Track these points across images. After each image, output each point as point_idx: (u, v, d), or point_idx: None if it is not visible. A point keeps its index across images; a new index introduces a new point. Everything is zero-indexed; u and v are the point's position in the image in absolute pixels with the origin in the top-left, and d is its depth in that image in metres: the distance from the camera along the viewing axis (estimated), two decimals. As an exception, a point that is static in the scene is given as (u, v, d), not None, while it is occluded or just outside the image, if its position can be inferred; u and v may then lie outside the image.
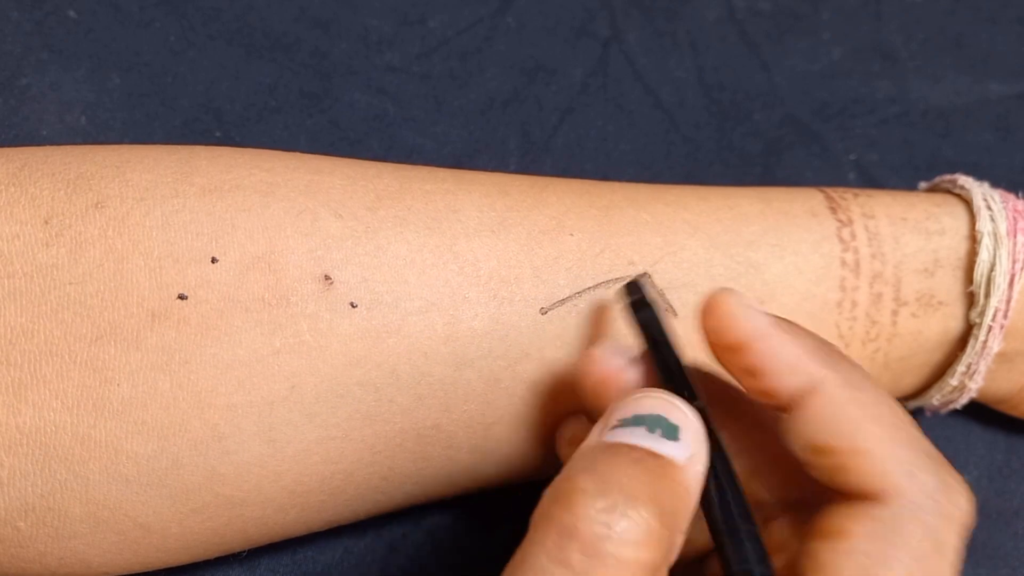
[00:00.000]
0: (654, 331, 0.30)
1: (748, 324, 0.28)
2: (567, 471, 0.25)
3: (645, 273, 0.33)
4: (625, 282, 0.32)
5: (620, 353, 0.30)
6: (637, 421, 0.27)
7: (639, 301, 0.31)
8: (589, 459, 0.26)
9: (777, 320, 0.28)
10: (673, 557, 0.26)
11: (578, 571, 0.23)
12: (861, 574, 0.26)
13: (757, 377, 0.28)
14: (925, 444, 0.28)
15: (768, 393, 0.28)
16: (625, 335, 0.32)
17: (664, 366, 0.29)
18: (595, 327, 0.32)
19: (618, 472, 0.25)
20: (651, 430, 0.26)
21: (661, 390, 0.28)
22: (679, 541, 0.26)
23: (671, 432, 0.26)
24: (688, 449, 0.26)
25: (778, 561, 0.28)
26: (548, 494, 0.25)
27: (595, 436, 0.27)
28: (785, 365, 0.27)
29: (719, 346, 0.29)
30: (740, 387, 0.30)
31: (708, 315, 0.28)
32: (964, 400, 0.38)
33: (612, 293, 0.33)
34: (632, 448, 0.26)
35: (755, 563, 0.26)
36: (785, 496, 0.30)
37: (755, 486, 0.30)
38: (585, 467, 0.25)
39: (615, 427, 0.27)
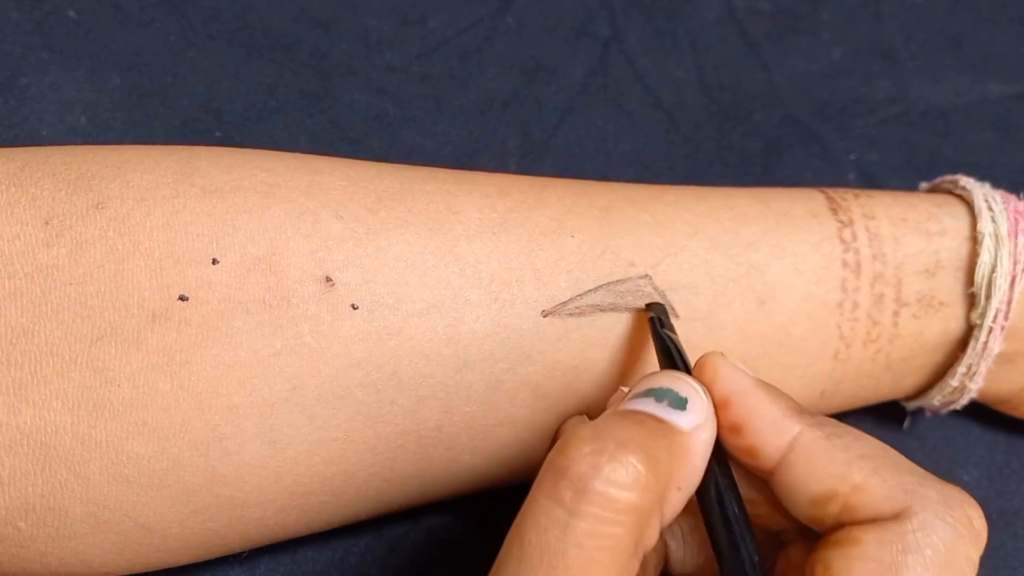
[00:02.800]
0: (673, 350, 0.31)
1: (733, 382, 0.29)
2: (572, 427, 0.27)
3: (648, 275, 0.33)
4: (641, 303, 0.33)
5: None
6: (648, 393, 0.28)
7: (661, 320, 0.32)
8: (597, 421, 0.27)
9: (760, 381, 0.29)
10: (669, 512, 0.27)
11: (568, 506, 0.25)
12: None
13: (741, 434, 0.29)
14: (918, 468, 0.28)
15: (752, 451, 0.29)
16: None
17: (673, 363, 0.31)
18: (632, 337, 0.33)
19: (616, 427, 0.26)
20: (659, 400, 0.28)
21: (673, 371, 0.29)
22: (676, 498, 0.27)
23: (679, 403, 0.28)
24: (694, 419, 0.27)
25: None
26: (554, 447, 0.26)
27: (610, 409, 0.28)
28: (767, 422, 0.28)
29: None
30: None
31: (698, 373, 0.29)
32: (965, 401, 0.38)
33: (614, 297, 0.33)
34: (637, 412, 0.27)
35: (750, 568, 0.26)
36: (802, 526, 0.30)
37: (773, 516, 0.30)
38: (589, 424, 0.27)
39: (627, 400, 0.28)
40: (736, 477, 0.29)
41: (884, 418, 0.42)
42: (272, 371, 0.29)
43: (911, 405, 0.40)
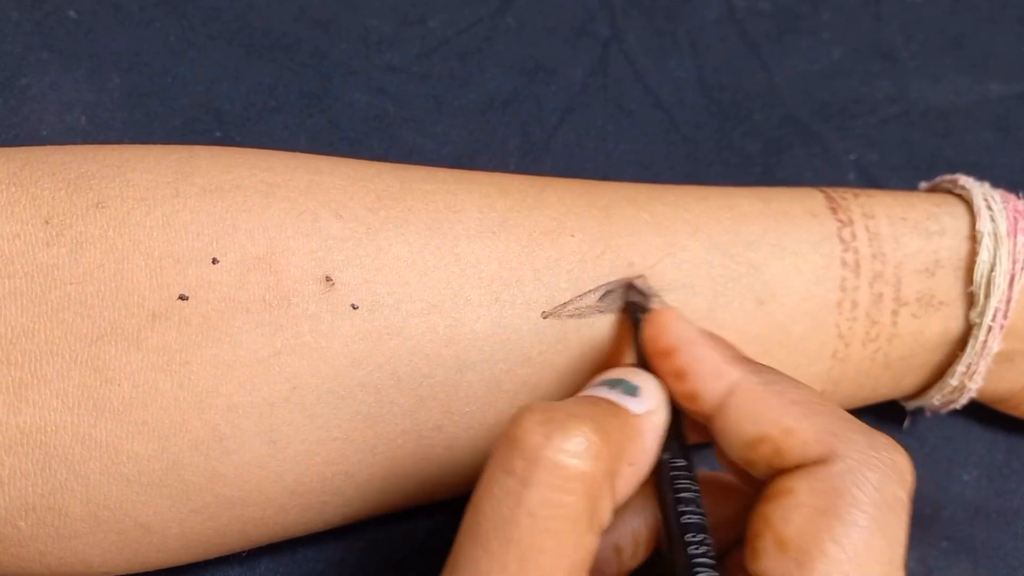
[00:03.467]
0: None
1: (679, 332, 0.30)
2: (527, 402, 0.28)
3: (642, 276, 0.33)
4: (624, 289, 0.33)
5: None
6: (602, 383, 0.29)
7: (636, 305, 0.32)
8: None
9: (705, 331, 0.30)
10: (621, 487, 0.27)
11: (520, 476, 0.25)
12: (810, 524, 0.26)
13: (684, 380, 0.29)
14: (847, 414, 0.29)
15: (692, 396, 0.29)
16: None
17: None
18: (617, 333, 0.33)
19: (568, 404, 0.27)
20: (612, 387, 0.29)
21: (629, 367, 0.30)
22: (627, 473, 0.27)
23: (631, 390, 0.29)
24: (644, 404, 0.28)
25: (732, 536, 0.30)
26: (508, 421, 0.26)
27: None
28: (708, 368, 0.29)
29: (654, 352, 0.30)
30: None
31: (648, 325, 0.30)
32: (964, 400, 0.38)
33: (612, 298, 0.33)
34: (591, 396, 0.28)
35: (697, 554, 0.27)
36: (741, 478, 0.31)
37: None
38: (542, 403, 0.27)
39: (583, 390, 0.29)
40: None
41: (884, 418, 0.42)
42: (272, 370, 0.29)
43: (911, 405, 0.40)
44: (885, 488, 0.27)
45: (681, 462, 0.29)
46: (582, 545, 0.25)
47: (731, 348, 0.30)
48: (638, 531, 0.31)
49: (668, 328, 0.30)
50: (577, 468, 0.25)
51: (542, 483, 0.25)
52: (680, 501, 0.28)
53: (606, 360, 0.33)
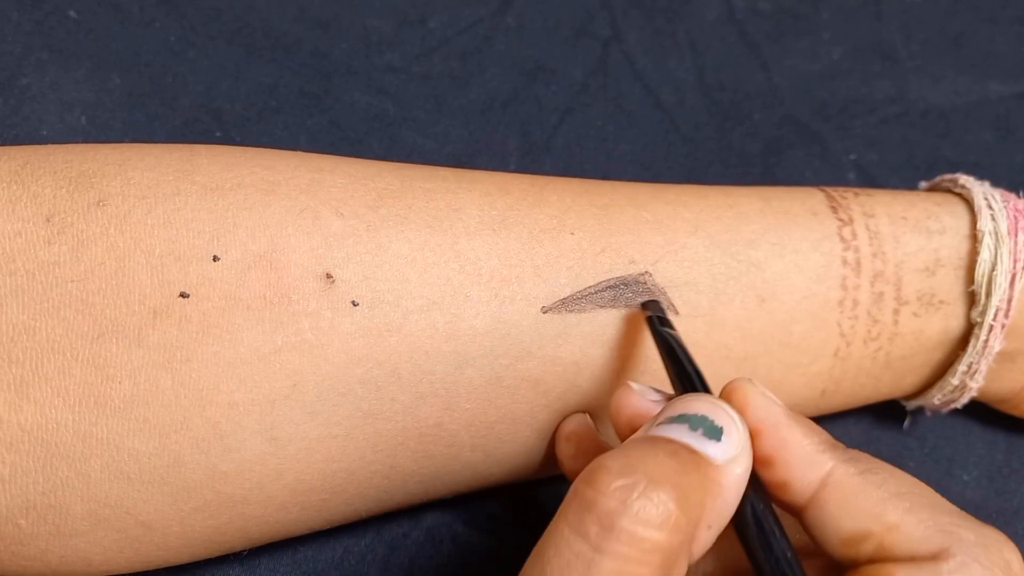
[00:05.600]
0: (680, 353, 0.30)
1: (764, 411, 0.28)
2: (602, 456, 0.26)
3: (647, 272, 0.33)
4: (642, 299, 0.33)
5: (653, 391, 0.30)
6: (682, 419, 0.27)
7: (660, 319, 0.31)
8: (627, 447, 0.26)
9: (791, 412, 0.28)
10: (697, 550, 0.26)
11: (593, 542, 0.24)
12: None
13: (771, 467, 0.28)
14: (956, 508, 0.28)
15: (782, 486, 0.28)
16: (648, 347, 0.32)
17: (691, 383, 0.29)
18: (625, 339, 0.33)
19: (648, 458, 0.25)
20: (693, 428, 0.26)
21: (712, 395, 0.28)
22: (705, 536, 0.26)
23: (714, 433, 0.26)
24: (729, 451, 0.26)
25: None
26: (581, 475, 0.25)
27: (641, 432, 0.27)
28: (799, 456, 0.28)
29: None
30: None
31: (727, 399, 0.28)
32: (965, 399, 0.38)
33: (614, 294, 0.33)
34: (670, 441, 0.26)
35: None
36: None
37: (802, 540, 0.30)
38: (618, 452, 0.25)
39: (660, 423, 0.27)
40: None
41: (884, 417, 0.42)
42: (273, 368, 0.29)
43: (911, 404, 0.40)
44: None
45: (761, 506, 0.27)
46: None
47: (821, 433, 0.28)
48: (710, 574, 0.30)
49: (751, 405, 0.28)
50: (655, 541, 0.24)
51: (617, 554, 0.24)
52: (770, 550, 0.26)
53: (617, 358, 0.33)
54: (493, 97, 0.48)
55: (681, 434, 0.26)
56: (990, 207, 0.36)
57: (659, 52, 0.51)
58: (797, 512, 0.28)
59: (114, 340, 0.28)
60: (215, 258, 0.29)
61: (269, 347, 0.29)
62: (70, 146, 0.31)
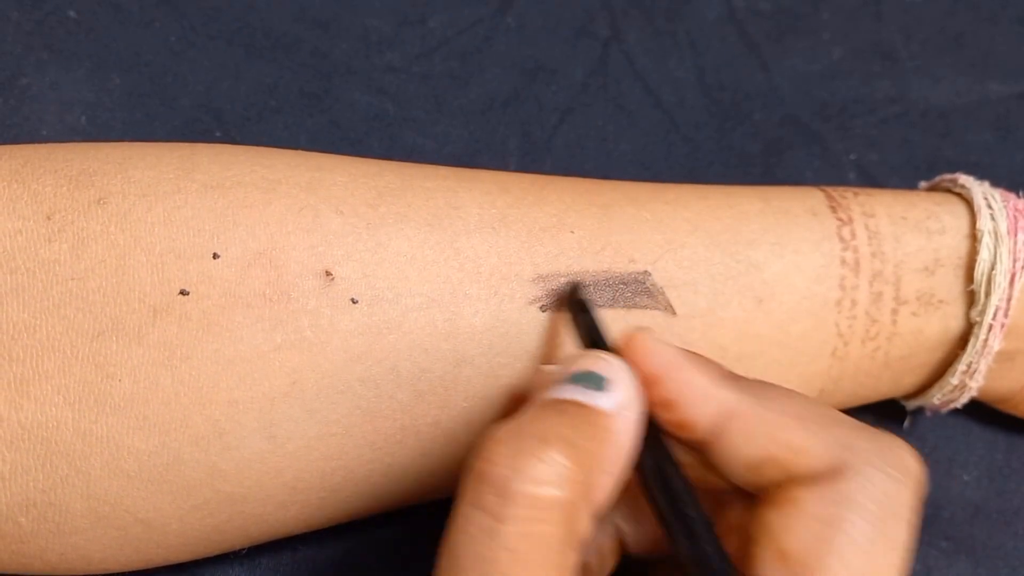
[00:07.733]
0: (589, 325, 0.31)
1: (660, 357, 0.28)
2: (491, 427, 0.26)
3: (647, 271, 0.33)
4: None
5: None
6: (569, 379, 0.27)
7: (578, 303, 0.31)
8: (516, 416, 0.26)
9: (686, 352, 0.29)
10: (600, 499, 0.26)
11: (493, 512, 0.24)
12: (814, 537, 0.26)
13: (672, 409, 0.28)
14: (852, 420, 0.28)
15: (684, 425, 0.28)
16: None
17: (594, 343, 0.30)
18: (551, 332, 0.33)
19: (536, 421, 0.26)
20: (579, 383, 0.27)
21: (597, 351, 0.29)
22: (604, 483, 0.26)
23: (598, 383, 0.27)
24: (616, 398, 0.27)
25: (731, 543, 0.28)
26: (472, 450, 0.26)
27: (533, 397, 0.28)
28: (697, 394, 0.28)
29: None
30: None
31: (624, 351, 0.29)
32: (965, 399, 0.38)
33: (613, 293, 0.33)
34: (559, 401, 0.27)
35: (709, 548, 0.26)
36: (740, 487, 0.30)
37: (708, 478, 0.30)
38: (507, 421, 0.26)
39: (549, 388, 0.28)
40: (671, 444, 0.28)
41: (884, 417, 0.42)
42: (272, 366, 0.29)
43: (911, 404, 0.40)
44: (894, 496, 0.26)
45: (662, 453, 0.28)
46: (565, 566, 0.25)
47: (717, 367, 0.29)
48: (601, 544, 0.31)
49: (648, 353, 0.28)
50: (552, 497, 0.24)
51: (517, 518, 0.24)
52: (676, 499, 0.27)
53: None
54: (493, 97, 0.48)
55: (569, 392, 0.27)
56: (990, 207, 0.36)
57: (659, 52, 0.51)
58: (701, 448, 0.28)
59: (114, 338, 0.28)
60: (215, 256, 0.29)
61: (269, 345, 0.29)
62: (71, 145, 0.31)
